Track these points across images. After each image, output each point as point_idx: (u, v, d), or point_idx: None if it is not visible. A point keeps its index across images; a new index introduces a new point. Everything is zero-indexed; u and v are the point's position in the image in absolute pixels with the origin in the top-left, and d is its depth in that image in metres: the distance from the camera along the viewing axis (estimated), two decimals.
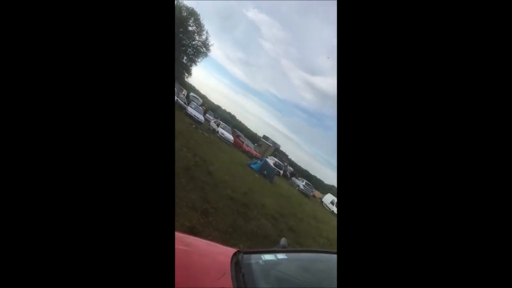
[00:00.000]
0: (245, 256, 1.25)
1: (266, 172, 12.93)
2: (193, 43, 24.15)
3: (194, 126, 13.87)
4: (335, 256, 1.72)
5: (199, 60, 25.40)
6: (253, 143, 23.35)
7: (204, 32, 24.21)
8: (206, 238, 3.16)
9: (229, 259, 1.16)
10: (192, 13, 22.98)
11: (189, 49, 24.10)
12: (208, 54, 25.44)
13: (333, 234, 9.45)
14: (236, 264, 1.15)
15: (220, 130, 17.88)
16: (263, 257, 1.29)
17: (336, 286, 1.59)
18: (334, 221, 15.36)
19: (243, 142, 19.86)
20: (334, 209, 19.77)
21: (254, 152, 19.82)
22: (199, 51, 24.79)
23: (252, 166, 12.97)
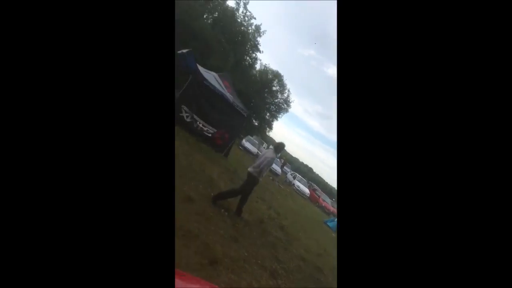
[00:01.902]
0: None
1: None
2: (276, 101, 26.30)
3: (271, 178, 14.26)
4: None
5: (280, 115, 27.25)
6: (331, 198, 21.93)
7: (286, 91, 26.36)
8: None
9: None
10: (277, 75, 25.58)
11: (272, 107, 26.26)
12: (289, 109, 27.15)
13: None
14: None
15: (296, 182, 17.71)
16: None
17: None
18: None
19: (319, 197, 18.96)
20: None
21: (332, 208, 18.37)
22: (281, 107, 26.70)
23: (329, 224, 12.04)
